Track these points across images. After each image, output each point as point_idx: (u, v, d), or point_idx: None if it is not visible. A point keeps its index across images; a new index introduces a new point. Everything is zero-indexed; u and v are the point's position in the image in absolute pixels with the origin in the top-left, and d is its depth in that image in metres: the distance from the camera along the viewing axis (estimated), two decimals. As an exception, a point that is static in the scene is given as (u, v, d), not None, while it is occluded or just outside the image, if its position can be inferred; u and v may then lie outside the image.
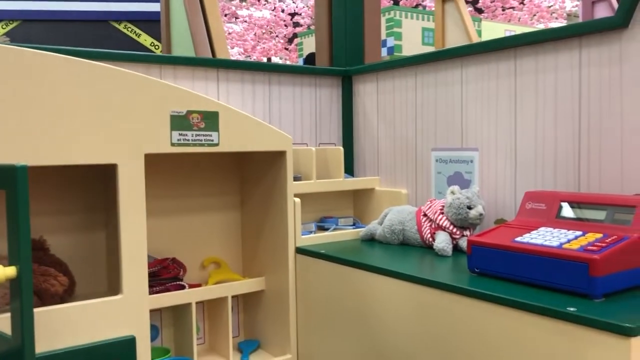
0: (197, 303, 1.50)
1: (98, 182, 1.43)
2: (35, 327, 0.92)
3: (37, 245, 1.34)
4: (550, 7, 9.82)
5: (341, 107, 2.01)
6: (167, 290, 1.44)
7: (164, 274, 1.47)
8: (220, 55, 2.68)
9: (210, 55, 2.70)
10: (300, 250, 1.51)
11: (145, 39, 4.27)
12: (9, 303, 1.13)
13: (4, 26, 4.21)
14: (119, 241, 1.25)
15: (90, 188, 1.44)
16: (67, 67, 1.18)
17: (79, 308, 1.19)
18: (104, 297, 1.23)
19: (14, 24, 4.22)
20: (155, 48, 4.32)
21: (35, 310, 1.03)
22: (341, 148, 1.74)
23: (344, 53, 2.11)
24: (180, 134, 1.32)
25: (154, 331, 1.53)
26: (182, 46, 2.99)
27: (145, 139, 1.27)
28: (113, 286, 1.37)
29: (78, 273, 1.38)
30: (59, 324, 1.16)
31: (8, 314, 0.94)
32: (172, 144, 1.31)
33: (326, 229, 1.73)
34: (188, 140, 1.33)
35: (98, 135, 1.21)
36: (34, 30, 4.31)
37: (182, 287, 1.47)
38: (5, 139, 1.11)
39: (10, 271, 0.87)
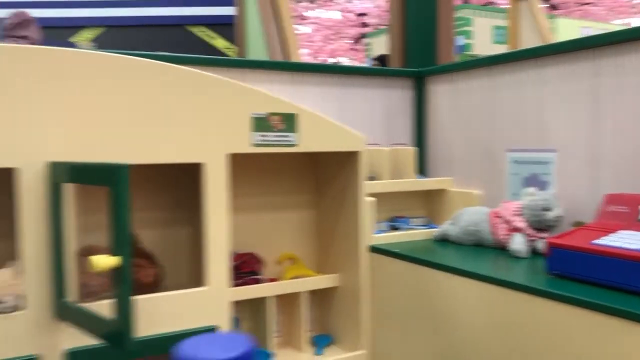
0: (274, 297, 1.56)
1: (183, 181, 1.51)
2: (133, 313, 1.00)
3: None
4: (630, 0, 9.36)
5: (413, 107, 2.03)
6: (246, 283, 1.51)
7: (244, 268, 1.53)
8: (292, 57, 2.75)
9: (282, 58, 2.77)
10: (373, 249, 1.54)
11: (220, 43, 4.42)
12: (106, 291, 1.23)
13: (90, 33, 4.46)
14: (204, 236, 1.33)
15: (176, 187, 1.53)
16: (161, 72, 1.27)
17: (167, 298, 1.28)
18: (187, 288, 1.31)
19: (100, 31, 4.46)
20: (230, 51, 4.45)
21: (132, 298, 1.11)
22: (414, 148, 1.76)
23: (417, 54, 2.12)
24: (261, 135, 1.38)
25: (234, 323, 1.60)
26: (256, 49, 3.08)
27: (228, 140, 1.34)
28: (195, 279, 1.45)
29: (163, 265, 1.47)
30: (149, 312, 1.25)
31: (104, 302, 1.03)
32: (253, 145, 1.37)
33: (398, 229, 1.75)
34: (268, 141, 1.39)
35: (186, 136, 1.29)
36: (117, 36, 4.54)
37: (260, 281, 1.53)
38: (108, 140, 1.20)
39: (114, 261, 0.95)
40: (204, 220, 1.32)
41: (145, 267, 1.32)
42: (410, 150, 1.76)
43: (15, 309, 1.15)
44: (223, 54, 4.37)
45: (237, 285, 1.50)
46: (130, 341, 0.96)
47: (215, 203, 1.32)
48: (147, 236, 1.49)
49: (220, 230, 1.33)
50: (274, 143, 1.39)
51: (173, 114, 1.28)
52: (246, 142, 1.37)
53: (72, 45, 4.51)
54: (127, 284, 0.95)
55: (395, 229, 1.77)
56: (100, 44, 4.44)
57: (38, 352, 1.16)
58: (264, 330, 1.56)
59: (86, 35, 4.50)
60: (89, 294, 1.24)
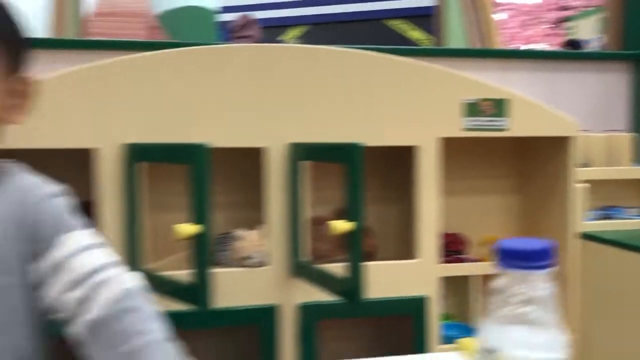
0: (477, 276, 1.62)
1: (394, 163, 1.64)
2: (361, 274, 1.15)
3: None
4: None
5: (631, 92, 1.92)
6: (451, 262, 1.59)
7: (449, 247, 1.62)
8: (493, 45, 2.74)
9: (481, 46, 2.77)
10: (585, 236, 1.52)
11: (415, 34, 4.51)
12: (333, 255, 1.41)
13: (296, 31, 4.86)
14: (415, 214, 1.44)
15: (387, 168, 1.66)
16: (382, 64, 1.41)
17: (383, 267, 1.42)
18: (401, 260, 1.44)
19: (305, 29, 4.84)
20: (425, 42, 4.52)
21: (357, 262, 1.26)
22: (631, 135, 1.68)
23: (637, 35, 2.00)
24: (471, 120, 1.45)
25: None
26: (455, 39, 3.11)
27: (440, 125, 1.44)
28: (404, 252, 1.57)
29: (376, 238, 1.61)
30: (367, 278, 1.40)
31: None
32: (464, 129, 1.45)
33: (610, 218, 1.70)
34: (479, 125, 1.45)
35: (402, 122, 1.41)
36: (320, 32, 4.86)
37: (464, 261, 1.60)
38: (339, 124, 1.38)
39: (350, 226, 1.10)
40: (415, 199, 1.44)
41: (366, 238, 1.47)
42: (627, 137, 1.69)
43: (261, 265, 1.38)
44: (418, 46, 4.45)
45: (444, 262, 1.59)
46: (361, 298, 1.11)
47: (427, 184, 1.43)
48: (368, 210, 1.63)
49: (431, 208, 1.44)
50: (484, 127, 1.45)
51: (391, 101, 1.41)
52: (457, 127, 1.45)
53: (282, 43, 4.95)
54: (358, 247, 1.10)
55: (607, 218, 1.71)
56: (305, 41, 4.82)
57: (277, 303, 1.37)
58: (467, 307, 1.63)
59: (293, 34, 4.90)
60: (319, 256, 1.43)
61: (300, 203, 1.34)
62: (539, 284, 0.39)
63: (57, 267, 0.64)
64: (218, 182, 1.38)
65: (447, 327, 1.59)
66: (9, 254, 0.64)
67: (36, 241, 0.65)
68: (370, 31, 4.71)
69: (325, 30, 4.82)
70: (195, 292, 1.09)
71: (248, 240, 1.38)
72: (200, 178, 1.07)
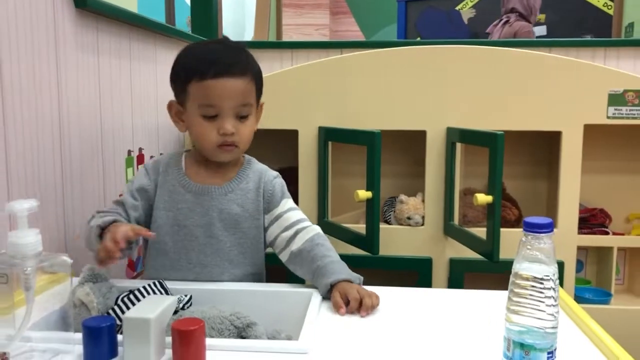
0: (619, 249, 1.79)
1: (543, 143, 1.85)
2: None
3: (497, 186, 1.87)
4: None
5: None
6: (593, 233, 1.78)
7: (592, 221, 1.81)
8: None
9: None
10: None
11: (599, 0, 4.37)
12: (478, 222, 1.69)
13: (471, 1, 4.95)
14: (558, 190, 1.66)
15: (537, 147, 1.88)
16: (535, 60, 1.63)
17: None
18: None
19: (480, -2, 4.91)
20: (608, 8, 4.37)
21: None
22: None
23: None
24: (615, 109, 1.61)
25: (579, 265, 1.90)
26: (635, 13, 3.07)
27: (585, 113, 1.63)
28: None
29: (522, 209, 1.86)
30: (510, 242, 1.66)
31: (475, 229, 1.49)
32: (608, 117, 1.62)
33: None
34: (622, 114, 1.61)
35: (549, 110, 1.63)
36: (495, 1, 4.91)
37: (607, 234, 1.78)
38: (489, 112, 1.64)
39: (489, 198, 1.39)
40: (559, 177, 1.66)
41: (510, 208, 1.74)
42: None
43: (420, 224, 1.72)
44: (603, 12, 4.32)
45: (584, 233, 1.79)
46: (496, 257, 1.40)
47: (569, 164, 1.64)
48: (512, 185, 1.89)
49: (572, 186, 1.65)
50: (627, 116, 1.61)
51: (542, 92, 1.63)
52: (602, 116, 1.62)
53: (457, 13, 5.07)
54: (497, 216, 1.39)
55: None
56: (481, 9, 4.90)
57: (432, 256, 1.71)
58: (607, 275, 1.81)
59: (468, 3, 5.01)
60: (466, 221, 1.74)
61: (454, 176, 1.65)
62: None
63: (278, 217, 1.10)
64: (389, 156, 1.75)
65: (584, 290, 1.80)
66: (256, 207, 1.09)
67: (269, 202, 1.11)
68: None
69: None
70: (368, 241, 1.47)
71: (410, 204, 1.72)
72: (374, 156, 1.44)
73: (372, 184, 1.45)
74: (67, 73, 1.08)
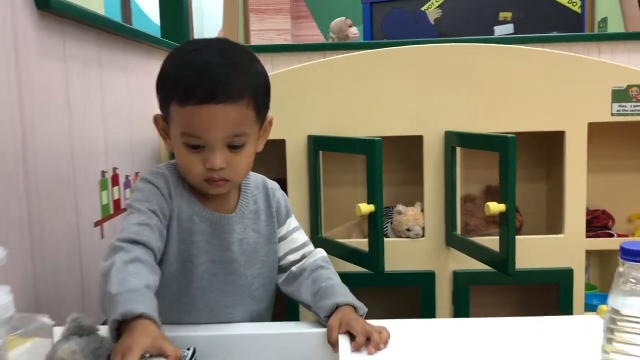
0: (623, 251, 1.71)
1: (541, 144, 1.76)
2: (512, 247, 1.33)
3: (494, 190, 1.78)
4: None
5: None
6: (597, 236, 1.70)
7: (595, 223, 1.73)
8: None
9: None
10: None
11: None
12: (481, 230, 1.59)
13: (437, 0, 4.91)
14: (563, 193, 1.58)
15: (534, 148, 1.79)
16: (537, 57, 1.54)
17: (531, 240, 1.58)
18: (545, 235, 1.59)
19: (445, -1, 4.87)
20: (573, 5, 4.37)
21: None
22: None
23: None
24: (620, 106, 1.54)
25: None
26: (608, 9, 3.05)
27: (588, 111, 1.54)
28: (550, 227, 1.71)
29: (523, 215, 1.77)
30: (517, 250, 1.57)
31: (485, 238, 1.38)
32: (613, 114, 1.54)
33: None
34: (627, 111, 1.54)
35: (552, 109, 1.54)
36: (461, 1, 4.87)
37: (611, 236, 1.71)
38: (490, 114, 1.54)
39: (502, 207, 1.29)
40: (563, 179, 1.57)
41: (519, 213, 1.64)
42: None
43: (420, 236, 1.61)
44: (568, 10, 4.33)
45: (589, 237, 1.70)
46: (512, 269, 1.29)
47: (575, 165, 1.55)
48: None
49: (578, 188, 1.56)
50: (631, 113, 1.53)
51: (543, 91, 1.54)
52: (607, 113, 1.54)
53: (424, 14, 5.03)
54: (512, 225, 1.28)
55: None
56: (447, 9, 4.86)
57: (434, 269, 1.60)
58: (611, 279, 1.74)
59: (434, 3, 4.96)
60: (469, 231, 1.63)
61: (455, 183, 1.54)
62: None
63: (283, 238, 0.99)
64: (383, 164, 1.63)
65: (592, 296, 1.72)
66: (271, 230, 0.97)
67: (278, 217, 0.98)
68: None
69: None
70: (373, 258, 1.34)
71: (409, 214, 1.61)
72: (375, 167, 1.31)
73: (374, 197, 1.33)
74: (30, 85, 0.92)
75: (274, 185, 1.00)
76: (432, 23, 5.07)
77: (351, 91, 1.56)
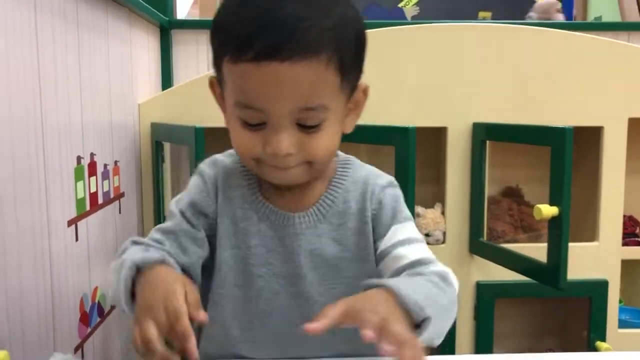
0: (649, 261, 1.57)
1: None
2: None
3: (514, 192, 1.60)
4: None
5: None
6: (626, 244, 1.55)
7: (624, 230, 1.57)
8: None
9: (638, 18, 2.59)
10: None
11: (544, -2, 4.29)
12: (507, 236, 1.41)
13: (415, -3, 4.76)
14: (598, 195, 1.41)
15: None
16: (572, 42, 1.37)
17: (564, 248, 1.41)
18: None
19: (423, -6, 4.72)
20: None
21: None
22: None
23: None
24: (664, 100, 1.38)
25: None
26: (601, 7, 2.94)
27: (630, 105, 1.38)
28: (580, 234, 1.53)
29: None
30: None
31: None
32: (656, 110, 1.39)
33: None
34: (671, 106, 1.38)
35: (588, 102, 1.38)
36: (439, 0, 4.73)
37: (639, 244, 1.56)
38: (518, 106, 1.36)
39: (554, 210, 1.10)
40: (599, 181, 1.40)
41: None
42: None
43: (440, 242, 1.41)
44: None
45: (618, 244, 1.55)
46: (564, 281, 1.11)
47: (614, 165, 1.39)
48: (530, 190, 1.62)
49: (616, 190, 1.40)
50: (678, 108, 1.38)
51: (581, 81, 1.37)
52: (648, 107, 1.39)
53: (400, 10, 4.88)
54: (566, 231, 1.10)
55: None
56: (425, 7, 4.72)
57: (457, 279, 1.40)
58: (638, 289, 1.59)
59: (412, 0, 4.81)
60: (495, 236, 1.45)
61: (483, 182, 1.36)
62: None
63: (385, 254, 0.66)
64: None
65: (621, 310, 1.56)
66: (364, 243, 0.68)
67: (375, 228, 0.68)
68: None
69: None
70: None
71: (428, 217, 1.41)
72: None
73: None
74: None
75: (381, 180, 0.69)
76: (409, 20, 4.94)
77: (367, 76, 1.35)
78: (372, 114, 1.29)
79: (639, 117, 1.39)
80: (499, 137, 1.33)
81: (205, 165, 0.71)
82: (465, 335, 1.42)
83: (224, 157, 0.71)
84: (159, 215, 1.35)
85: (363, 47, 0.63)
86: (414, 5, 4.84)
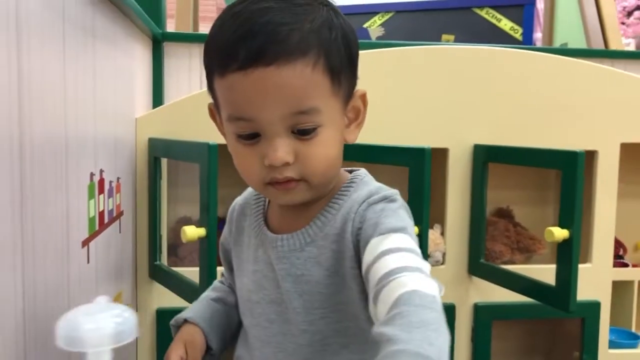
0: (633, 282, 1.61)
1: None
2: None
3: (505, 213, 1.62)
4: None
5: None
6: (615, 266, 1.58)
7: (609, 251, 1.61)
8: (612, 45, 2.67)
9: (602, 46, 2.70)
10: None
11: (505, 24, 4.43)
12: (504, 257, 1.42)
13: (380, 18, 4.84)
14: (591, 218, 1.44)
15: (543, 170, 1.65)
16: (568, 67, 1.41)
17: (551, 270, 1.43)
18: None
19: (389, 15, 4.81)
20: (514, 32, 4.44)
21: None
22: None
23: None
24: (654, 126, 1.43)
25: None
26: (566, 34, 3.06)
27: (621, 130, 1.43)
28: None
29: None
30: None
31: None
32: (648, 135, 1.44)
33: None
34: (660, 132, 1.44)
35: (585, 125, 1.41)
36: (406, 20, 4.82)
37: (626, 265, 1.60)
38: (525, 127, 1.39)
39: (564, 233, 1.11)
40: (593, 203, 1.43)
41: (539, 241, 1.49)
42: None
43: (440, 263, 1.41)
44: (509, 37, 4.39)
45: (605, 266, 1.58)
46: (574, 304, 1.12)
47: (606, 188, 1.43)
48: (520, 211, 1.64)
49: (607, 213, 1.44)
50: (666, 134, 1.44)
51: (576, 105, 1.41)
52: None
53: (365, 30, 4.94)
54: (576, 253, 1.11)
55: None
56: (390, 28, 4.79)
57: (454, 302, 1.40)
58: (624, 312, 1.62)
59: (377, 21, 4.88)
60: (493, 258, 1.45)
61: (483, 203, 1.36)
62: None
63: (367, 271, 0.57)
64: (395, 177, 1.42)
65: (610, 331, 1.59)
66: (347, 266, 0.62)
67: (362, 244, 0.61)
68: (459, 19, 4.65)
69: (411, 18, 4.79)
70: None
71: (429, 238, 1.40)
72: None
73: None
74: (29, 53, 0.62)
75: (375, 196, 0.63)
76: (374, 40, 5.00)
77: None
78: (373, 134, 1.29)
79: (630, 142, 1.43)
80: (500, 159, 1.34)
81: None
82: (462, 357, 1.41)
83: (247, 191, 0.74)
84: (154, 234, 1.29)
85: (353, 50, 0.62)
86: (378, 26, 4.91)
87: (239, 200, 0.74)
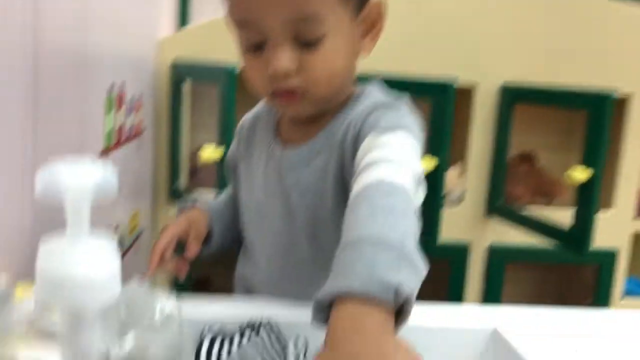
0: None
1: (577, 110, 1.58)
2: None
3: (528, 157, 1.59)
4: None
5: None
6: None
7: (633, 202, 1.58)
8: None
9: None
10: None
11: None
12: (525, 200, 1.40)
13: None
14: (617, 163, 1.40)
15: (570, 115, 1.59)
16: (601, 8, 1.34)
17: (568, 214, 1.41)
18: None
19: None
20: None
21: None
22: None
23: None
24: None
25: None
26: None
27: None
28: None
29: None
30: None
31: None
32: (684, 82, 1.38)
33: None
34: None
35: (617, 68, 1.36)
36: None
37: (649, 216, 1.56)
38: (560, 66, 1.34)
39: (588, 173, 1.09)
40: (621, 150, 1.39)
41: (559, 184, 1.46)
42: None
43: (459, 201, 1.40)
44: None
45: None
46: (587, 248, 1.11)
47: (636, 134, 1.38)
48: (543, 157, 1.61)
49: (635, 160, 1.40)
50: None
51: (610, 49, 1.35)
52: (677, 79, 1.37)
53: None
54: (596, 197, 1.09)
55: None
56: None
57: (470, 240, 1.40)
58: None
59: None
60: (511, 200, 1.44)
61: (506, 145, 1.34)
62: None
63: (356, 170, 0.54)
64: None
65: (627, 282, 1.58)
66: (341, 176, 0.61)
67: (353, 143, 0.59)
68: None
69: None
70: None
71: (447, 177, 1.39)
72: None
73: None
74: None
75: (385, 99, 0.62)
76: None
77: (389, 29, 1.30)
78: (393, 63, 1.26)
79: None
80: (533, 100, 1.30)
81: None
82: (474, 298, 1.42)
83: (257, 105, 0.73)
84: (174, 157, 1.30)
85: None
86: None
87: (248, 116, 0.74)
